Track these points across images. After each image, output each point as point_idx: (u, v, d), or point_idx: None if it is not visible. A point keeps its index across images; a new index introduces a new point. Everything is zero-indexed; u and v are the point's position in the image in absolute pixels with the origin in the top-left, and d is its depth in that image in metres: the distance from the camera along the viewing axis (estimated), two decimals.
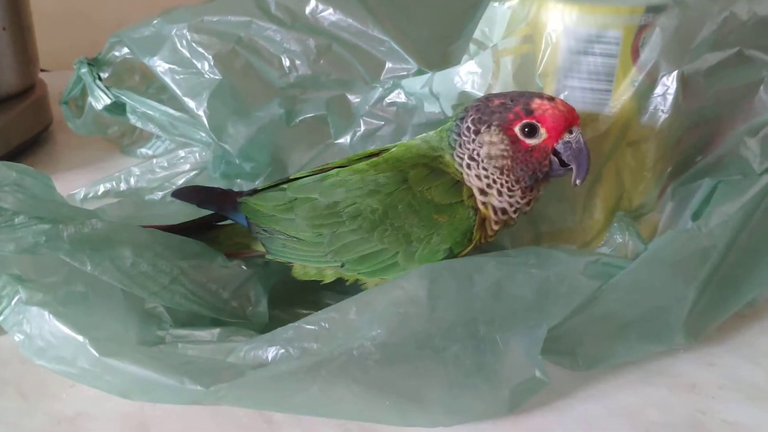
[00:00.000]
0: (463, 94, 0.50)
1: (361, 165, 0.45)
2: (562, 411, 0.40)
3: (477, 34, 0.52)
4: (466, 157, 0.43)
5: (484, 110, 0.43)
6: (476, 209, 0.43)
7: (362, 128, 0.56)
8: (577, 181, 0.42)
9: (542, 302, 0.39)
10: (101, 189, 0.59)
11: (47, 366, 0.38)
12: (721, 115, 0.49)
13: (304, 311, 0.46)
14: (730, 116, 0.49)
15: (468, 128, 0.43)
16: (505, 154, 0.42)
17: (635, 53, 0.46)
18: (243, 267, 0.46)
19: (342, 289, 0.46)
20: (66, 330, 0.38)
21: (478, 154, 0.43)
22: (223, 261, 0.46)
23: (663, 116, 0.47)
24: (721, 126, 0.49)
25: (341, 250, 0.43)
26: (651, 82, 0.46)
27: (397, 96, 0.55)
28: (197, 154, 0.59)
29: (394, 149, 0.46)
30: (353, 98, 0.57)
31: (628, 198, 0.49)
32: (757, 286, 0.45)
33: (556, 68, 0.47)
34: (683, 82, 0.46)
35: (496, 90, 0.49)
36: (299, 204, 0.44)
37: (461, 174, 0.43)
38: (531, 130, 0.41)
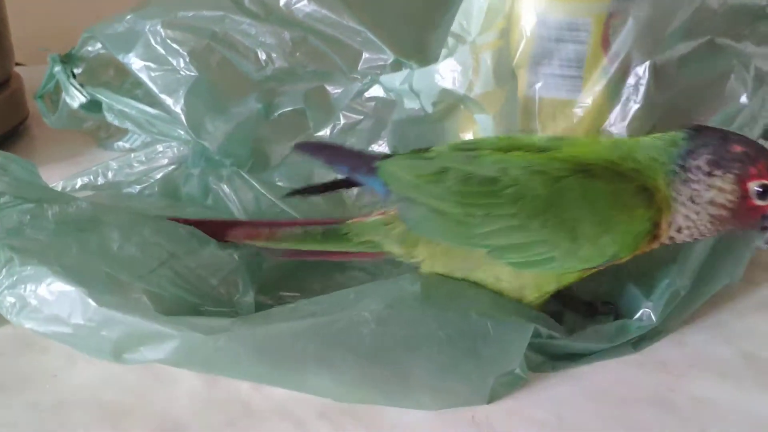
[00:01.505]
0: (444, 92, 0.51)
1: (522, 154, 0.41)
2: (533, 391, 0.40)
3: (455, 27, 0.52)
4: (683, 195, 0.39)
5: (721, 153, 0.38)
6: (656, 223, 0.39)
7: (342, 122, 0.56)
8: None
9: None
10: (78, 183, 0.59)
11: (37, 329, 0.38)
12: (693, 104, 0.50)
13: (290, 294, 0.46)
14: (703, 105, 0.50)
15: (698, 167, 0.38)
16: (729, 205, 0.38)
17: (605, 41, 0.47)
18: (234, 256, 0.46)
19: (326, 272, 0.47)
20: (63, 284, 0.38)
21: (699, 196, 0.39)
22: (214, 247, 0.46)
23: (635, 106, 0.48)
24: (693, 115, 0.50)
25: (492, 234, 0.39)
26: (623, 72, 0.47)
27: (377, 90, 0.56)
28: (175, 148, 0.59)
29: (572, 148, 0.41)
30: (332, 90, 0.58)
31: None
32: (728, 275, 0.46)
33: (530, 58, 0.48)
34: (655, 72, 0.47)
35: (477, 87, 0.49)
36: (450, 175, 0.40)
37: (668, 203, 0.39)
38: (765, 192, 0.38)
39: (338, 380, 0.38)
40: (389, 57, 0.56)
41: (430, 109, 0.52)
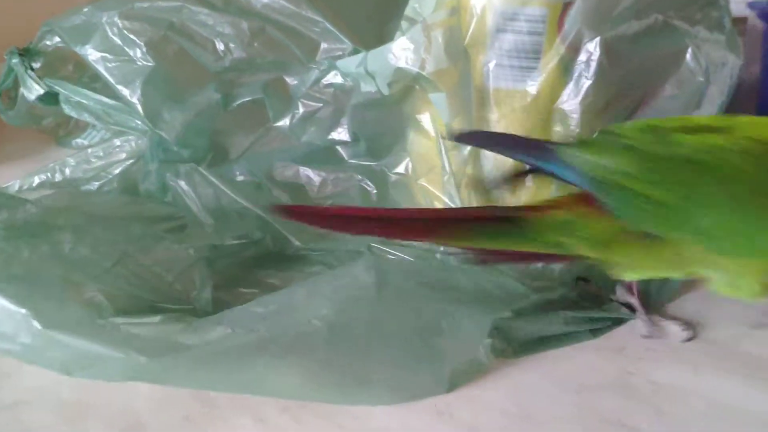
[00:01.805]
0: (398, 71, 0.50)
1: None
2: (495, 378, 0.40)
3: (408, 11, 0.52)
4: None
5: None
6: None
7: (301, 110, 0.56)
8: None
9: (485, 299, 0.41)
10: (36, 180, 0.58)
11: None
12: (647, 80, 0.50)
13: (247, 290, 0.46)
14: (658, 83, 0.50)
15: None
16: None
17: (561, 27, 0.47)
18: (190, 251, 0.46)
19: (285, 266, 0.46)
20: (8, 304, 0.37)
21: None
22: (169, 243, 0.45)
23: (587, 82, 0.47)
24: (648, 93, 0.50)
25: (709, 218, 0.36)
26: (574, 49, 0.47)
27: (334, 77, 0.55)
28: (133, 143, 0.58)
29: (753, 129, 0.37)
30: (290, 80, 0.57)
31: None
32: None
33: (485, 41, 0.48)
34: (606, 48, 0.47)
35: (429, 64, 0.49)
36: (651, 158, 0.37)
37: None
38: None
39: (293, 386, 0.38)
40: (348, 47, 0.56)
41: (386, 91, 0.51)
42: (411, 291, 0.39)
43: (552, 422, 0.38)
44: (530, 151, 0.39)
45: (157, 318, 0.41)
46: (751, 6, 0.91)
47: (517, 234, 0.38)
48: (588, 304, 0.45)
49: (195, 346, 0.37)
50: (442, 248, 0.49)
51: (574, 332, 0.42)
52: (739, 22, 1.07)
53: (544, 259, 0.41)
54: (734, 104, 0.51)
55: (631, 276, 0.40)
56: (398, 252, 0.49)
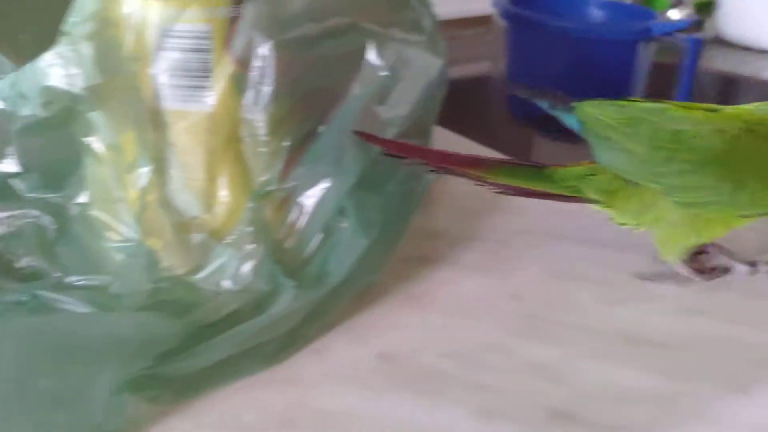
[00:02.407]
0: (48, 90, 0.45)
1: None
2: None
3: (66, 26, 0.46)
4: None
5: None
6: None
7: None
8: None
9: (122, 348, 0.36)
10: None
11: None
12: (334, 83, 0.49)
13: None
14: (345, 83, 0.49)
15: None
16: None
17: (228, 42, 0.44)
18: None
19: None
20: None
21: None
22: None
23: (267, 89, 0.45)
24: (338, 94, 0.49)
25: (667, 174, 0.45)
26: (245, 63, 0.45)
27: None
28: None
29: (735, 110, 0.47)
30: None
31: (253, 176, 0.47)
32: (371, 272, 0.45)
33: (148, 56, 0.44)
34: (281, 51, 0.45)
35: (80, 80, 0.44)
36: (643, 124, 0.46)
37: None
38: None
39: None
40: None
41: (41, 113, 0.46)
42: (28, 358, 0.33)
43: None
44: (558, 102, 0.50)
45: None
46: (494, 4, 0.93)
47: (543, 178, 0.49)
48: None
49: None
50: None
51: (242, 360, 0.38)
52: (484, 20, 1.11)
53: (562, 199, 0.49)
54: (484, 98, 0.52)
55: (625, 221, 0.49)
56: (69, 297, 0.43)
